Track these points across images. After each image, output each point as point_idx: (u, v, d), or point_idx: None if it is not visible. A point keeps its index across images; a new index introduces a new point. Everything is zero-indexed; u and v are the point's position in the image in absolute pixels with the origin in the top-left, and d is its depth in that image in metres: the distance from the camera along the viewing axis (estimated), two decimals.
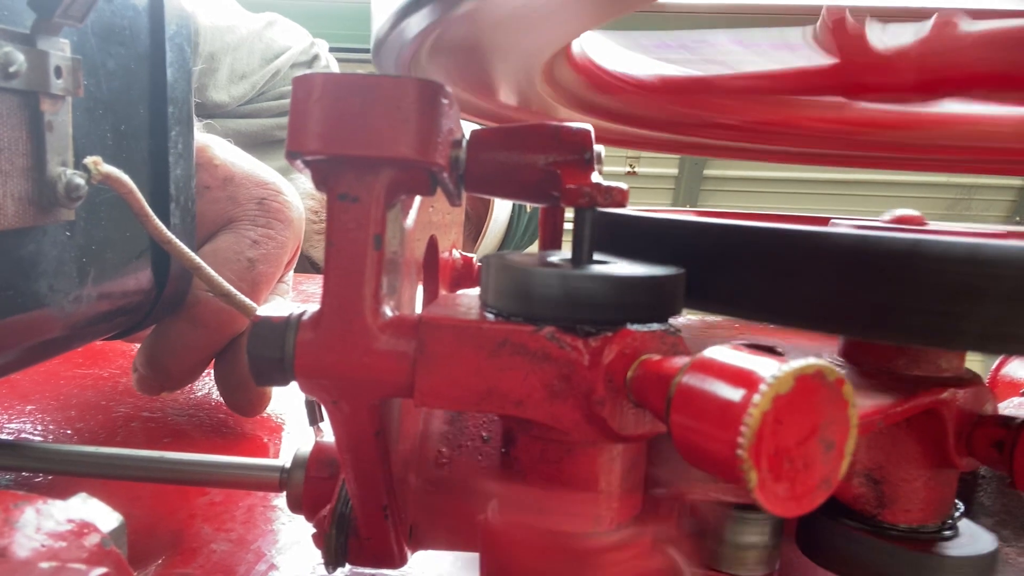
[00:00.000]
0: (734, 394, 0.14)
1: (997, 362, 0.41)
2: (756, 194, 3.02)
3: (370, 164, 0.19)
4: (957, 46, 0.34)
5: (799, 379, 0.14)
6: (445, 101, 0.19)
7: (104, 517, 0.19)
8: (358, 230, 0.19)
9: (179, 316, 0.38)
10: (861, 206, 2.89)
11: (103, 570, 0.15)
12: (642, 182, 2.94)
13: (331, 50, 1.19)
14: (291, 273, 0.47)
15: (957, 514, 0.25)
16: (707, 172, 2.98)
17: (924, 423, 0.24)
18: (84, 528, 0.17)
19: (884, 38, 0.36)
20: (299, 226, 0.43)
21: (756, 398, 0.13)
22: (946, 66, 0.34)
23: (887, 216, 0.28)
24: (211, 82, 0.99)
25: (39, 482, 0.33)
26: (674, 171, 2.99)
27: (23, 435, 0.39)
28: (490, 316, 0.19)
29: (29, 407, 0.43)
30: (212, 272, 0.31)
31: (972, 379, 0.24)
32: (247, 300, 0.31)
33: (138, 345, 0.40)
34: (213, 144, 0.40)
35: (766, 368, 0.14)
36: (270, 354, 0.19)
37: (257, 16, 1.08)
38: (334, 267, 0.19)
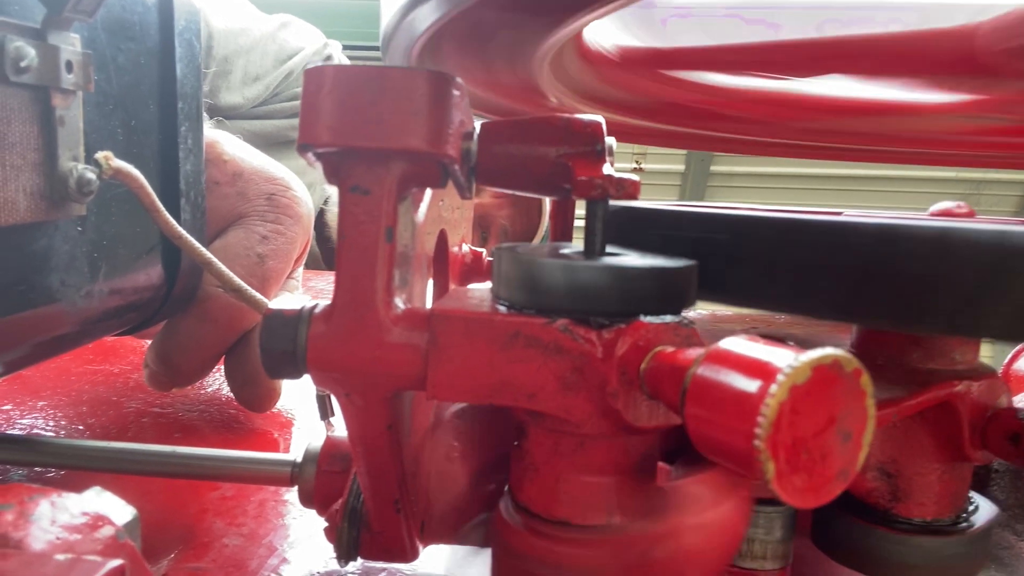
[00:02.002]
0: (751, 385, 0.14)
1: (1010, 355, 0.40)
2: (763, 190, 3.01)
3: (381, 156, 0.19)
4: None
5: (816, 369, 0.13)
6: (456, 93, 0.19)
7: (118, 510, 0.19)
8: (370, 223, 0.19)
9: (189, 312, 0.38)
10: (869, 201, 2.88)
11: (119, 562, 0.15)
12: (649, 179, 2.93)
13: (345, 49, 1.19)
14: (300, 269, 0.47)
15: (971, 508, 0.25)
16: (714, 168, 2.97)
17: (938, 416, 0.24)
18: (99, 521, 0.17)
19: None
20: (308, 221, 0.43)
21: (773, 388, 0.13)
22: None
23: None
24: (224, 84, 0.99)
25: (52, 477, 0.33)
26: (681, 167, 2.98)
27: (35, 431, 0.39)
28: (502, 309, 0.19)
29: (41, 403, 0.43)
30: (223, 267, 0.31)
31: (986, 372, 0.24)
32: (258, 295, 0.31)
33: (149, 341, 0.41)
34: (222, 140, 0.40)
35: (783, 358, 0.14)
36: (283, 347, 0.19)
37: (270, 18, 1.08)
38: (346, 260, 0.19)
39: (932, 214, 0.28)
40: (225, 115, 1.01)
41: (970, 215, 0.28)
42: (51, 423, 0.40)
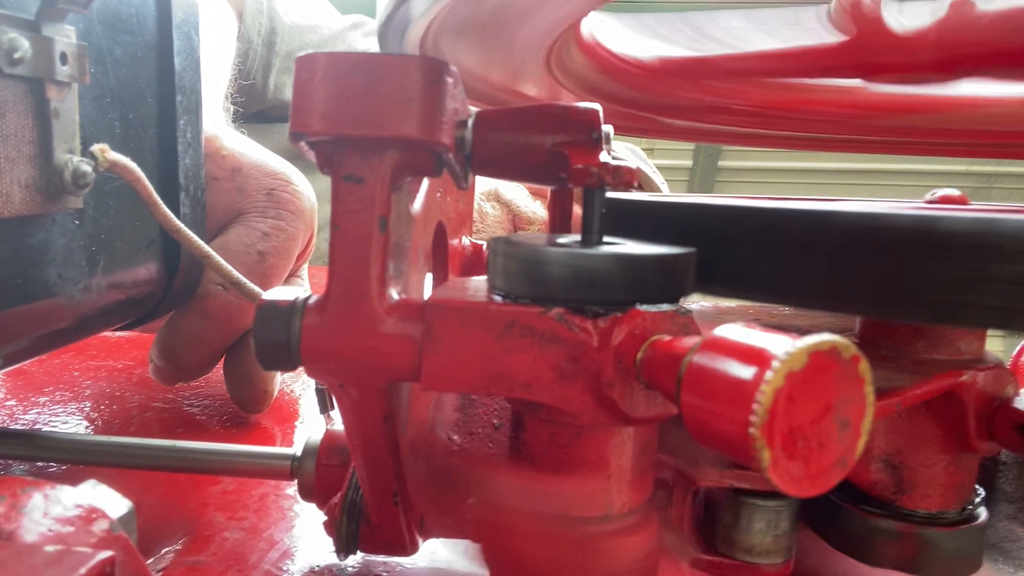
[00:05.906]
0: (746, 372, 0.14)
1: (1020, 346, 0.40)
2: (771, 185, 2.99)
3: (374, 144, 0.18)
4: (974, 25, 0.33)
5: (813, 356, 0.13)
6: (450, 80, 0.19)
7: (113, 503, 0.19)
8: (363, 212, 0.19)
9: (189, 308, 0.38)
10: (877, 196, 2.86)
11: (108, 553, 0.15)
12: None
13: None
14: (306, 267, 0.47)
15: (977, 500, 0.25)
16: (721, 164, 2.96)
17: (944, 406, 0.23)
18: (92, 513, 0.17)
19: (901, 18, 0.35)
20: (310, 217, 0.42)
21: (768, 375, 0.13)
22: (963, 44, 0.33)
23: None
24: (289, 80, 0.98)
25: (53, 471, 0.33)
26: (688, 163, 2.97)
27: (37, 426, 0.39)
28: (497, 298, 0.19)
29: (43, 399, 0.43)
30: (221, 260, 0.30)
31: (993, 362, 0.24)
32: (256, 289, 0.31)
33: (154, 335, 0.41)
34: (221, 134, 0.40)
35: (778, 345, 0.13)
36: (276, 338, 0.19)
37: (343, 17, 1.06)
38: (340, 250, 0.19)
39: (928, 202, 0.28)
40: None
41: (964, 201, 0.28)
42: (53, 418, 0.40)
